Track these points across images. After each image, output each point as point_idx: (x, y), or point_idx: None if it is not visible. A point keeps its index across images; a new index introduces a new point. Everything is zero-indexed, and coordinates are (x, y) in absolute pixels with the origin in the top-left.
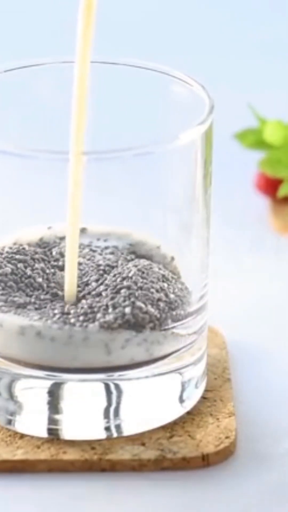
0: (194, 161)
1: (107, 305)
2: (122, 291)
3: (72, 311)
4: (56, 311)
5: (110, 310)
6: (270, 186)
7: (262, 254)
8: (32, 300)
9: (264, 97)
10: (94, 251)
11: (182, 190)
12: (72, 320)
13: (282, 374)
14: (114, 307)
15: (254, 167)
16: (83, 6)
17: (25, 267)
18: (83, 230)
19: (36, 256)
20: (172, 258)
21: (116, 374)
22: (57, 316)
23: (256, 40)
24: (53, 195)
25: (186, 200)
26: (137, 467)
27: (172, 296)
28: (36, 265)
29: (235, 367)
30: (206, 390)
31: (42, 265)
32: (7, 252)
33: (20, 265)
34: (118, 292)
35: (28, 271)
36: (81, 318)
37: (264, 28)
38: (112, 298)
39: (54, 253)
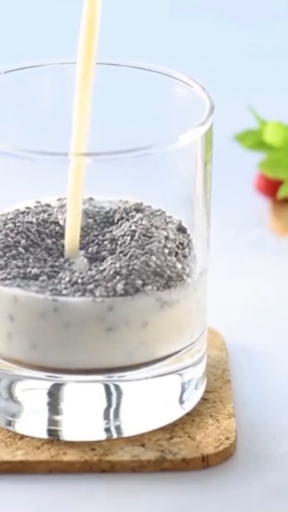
0: (195, 162)
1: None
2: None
3: (64, 281)
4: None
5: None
6: (270, 187)
7: (262, 255)
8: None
9: (264, 98)
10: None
11: (183, 191)
12: (65, 292)
13: (282, 375)
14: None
15: (254, 168)
16: (87, 8)
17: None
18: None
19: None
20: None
21: (116, 375)
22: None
23: (256, 42)
24: (52, 196)
25: (186, 200)
26: (137, 468)
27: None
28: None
29: (235, 368)
30: (206, 391)
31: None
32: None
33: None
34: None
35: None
36: (73, 288)
37: (264, 29)
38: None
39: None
